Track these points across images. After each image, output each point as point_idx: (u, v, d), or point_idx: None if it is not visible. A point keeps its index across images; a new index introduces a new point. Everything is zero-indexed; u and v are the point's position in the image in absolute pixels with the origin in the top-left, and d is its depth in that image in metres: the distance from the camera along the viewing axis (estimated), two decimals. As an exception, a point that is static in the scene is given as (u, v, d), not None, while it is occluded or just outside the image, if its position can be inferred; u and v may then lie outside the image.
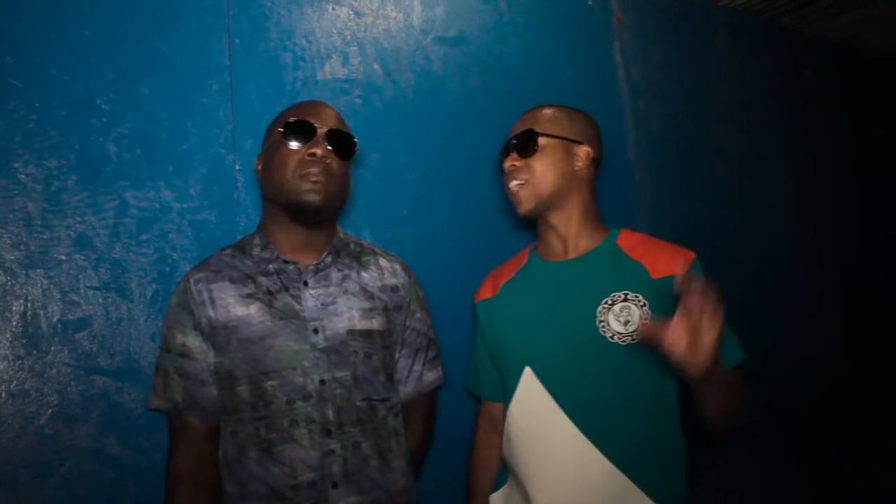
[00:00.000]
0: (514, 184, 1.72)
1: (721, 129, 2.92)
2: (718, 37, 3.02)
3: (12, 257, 1.51)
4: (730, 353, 1.64)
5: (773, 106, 3.19)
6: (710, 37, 2.99)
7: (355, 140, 1.61)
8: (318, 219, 1.55)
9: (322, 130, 1.54)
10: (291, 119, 1.55)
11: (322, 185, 1.51)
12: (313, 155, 1.51)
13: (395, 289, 1.67)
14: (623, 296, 1.60)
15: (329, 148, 1.54)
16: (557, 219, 1.72)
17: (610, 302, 1.61)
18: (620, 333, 1.58)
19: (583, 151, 1.72)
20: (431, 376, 1.74)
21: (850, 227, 3.42)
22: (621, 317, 1.58)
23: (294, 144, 1.53)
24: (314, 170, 1.50)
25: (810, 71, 3.41)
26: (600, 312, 1.60)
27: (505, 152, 1.77)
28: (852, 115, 3.61)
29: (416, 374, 1.70)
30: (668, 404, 1.61)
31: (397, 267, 1.71)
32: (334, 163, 1.54)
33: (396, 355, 1.67)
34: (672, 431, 1.61)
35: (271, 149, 1.57)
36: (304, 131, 1.54)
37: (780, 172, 3.14)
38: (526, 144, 1.71)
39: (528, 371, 1.65)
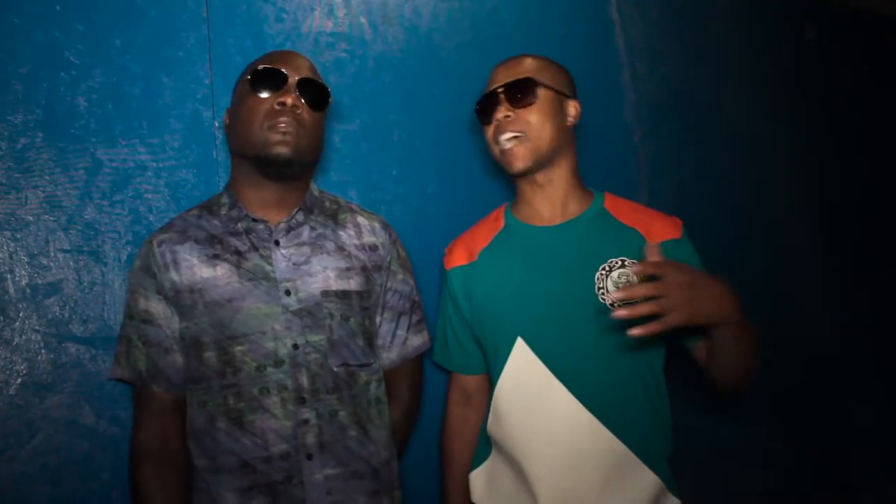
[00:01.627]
0: (506, 136, 1.58)
1: (721, 91, 2.84)
2: (718, -5, 2.93)
3: (-24, 218, 1.43)
4: None
5: (773, 68, 3.11)
6: (710, -5, 2.90)
7: (328, 90, 1.51)
8: (289, 172, 1.45)
9: (293, 79, 1.45)
10: (260, 67, 1.45)
11: (292, 136, 1.41)
12: (283, 104, 1.41)
13: (373, 248, 1.57)
14: (620, 262, 1.54)
15: (300, 97, 1.44)
16: (547, 179, 1.61)
17: (608, 268, 1.54)
18: (620, 301, 1.49)
19: (573, 107, 1.63)
20: (417, 341, 1.66)
21: (852, 191, 3.35)
22: (620, 283, 1.52)
23: (263, 94, 1.43)
24: (284, 119, 1.41)
25: (813, 33, 3.33)
26: (598, 279, 1.54)
27: (488, 103, 1.62)
28: (855, 78, 3.53)
29: (400, 339, 1.62)
30: (657, 369, 1.58)
31: (376, 225, 1.61)
32: (305, 113, 1.45)
33: (378, 319, 1.59)
34: (661, 395, 1.58)
35: (239, 100, 1.48)
36: (273, 80, 1.44)
37: (782, 137, 3.06)
38: (523, 93, 1.57)
39: (520, 342, 1.56)
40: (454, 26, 2.11)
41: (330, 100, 1.52)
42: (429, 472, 1.82)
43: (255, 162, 1.44)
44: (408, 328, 1.64)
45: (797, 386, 2.83)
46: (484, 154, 2.08)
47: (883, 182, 3.53)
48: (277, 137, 1.40)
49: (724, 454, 2.51)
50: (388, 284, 1.60)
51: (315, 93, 1.48)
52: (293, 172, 1.46)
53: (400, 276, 1.63)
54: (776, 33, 3.17)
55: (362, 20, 1.94)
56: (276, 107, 1.41)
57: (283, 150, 1.40)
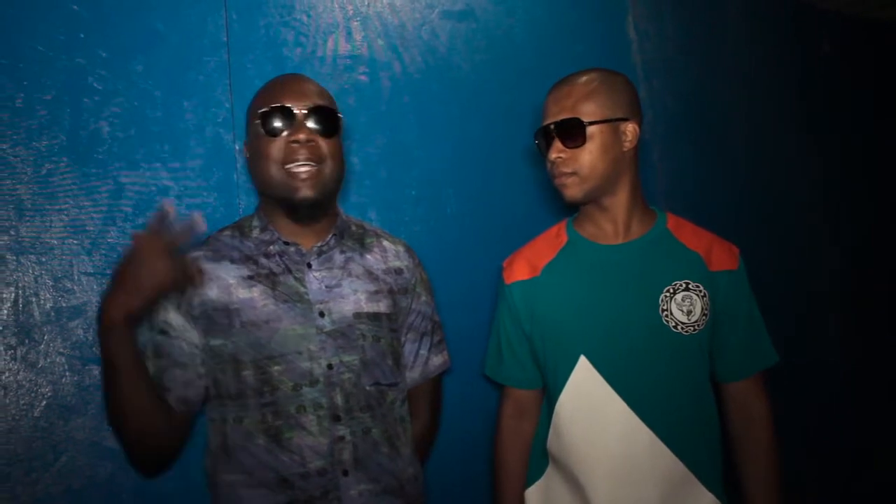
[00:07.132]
0: (560, 177, 1.62)
1: (738, 107, 2.83)
2: (733, 11, 2.92)
3: (2, 243, 1.45)
4: (762, 355, 1.67)
5: (790, 82, 3.10)
6: (725, 11, 2.89)
7: (338, 115, 1.50)
8: (318, 212, 1.48)
9: (301, 112, 1.43)
10: (266, 108, 1.44)
11: (313, 174, 1.42)
12: (296, 142, 1.41)
13: (399, 271, 1.61)
14: (684, 285, 1.58)
15: (312, 129, 1.44)
16: (609, 202, 1.64)
17: (672, 290, 1.58)
18: (683, 323, 1.56)
19: (630, 129, 1.62)
20: (437, 361, 1.69)
21: (871, 200, 3.33)
22: (683, 306, 1.57)
23: (274, 134, 1.43)
24: (301, 158, 1.41)
25: (829, 46, 3.31)
26: (663, 301, 1.58)
27: (545, 137, 1.64)
28: (871, 90, 3.51)
29: (422, 359, 1.66)
30: (709, 391, 1.64)
31: (401, 249, 1.65)
32: (321, 143, 1.45)
33: (402, 339, 1.62)
34: (714, 417, 1.63)
35: (253, 138, 1.49)
36: (282, 116, 1.43)
37: (800, 150, 3.05)
38: (573, 134, 1.58)
39: (583, 360, 1.59)
40: (471, 47, 2.12)
41: (341, 123, 1.51)
42: (446, 486, 1.83)
43: (280, 204, 1.47)
44: (429, 348, 1.67)
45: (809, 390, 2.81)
46: (503, 172, 2.09)
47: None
48: (299, 182, 1.42)
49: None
50: (413, 306, 1.63)
51: (326, 119, 1.47)
52: (322, 211, 1.49)
53: (423, 298, 1.66)
54: (791, 46, 3.17)
55: (380, 42, 1.96)
56: (291, 144, 1.42)
57: (307, 194, 1.42)
